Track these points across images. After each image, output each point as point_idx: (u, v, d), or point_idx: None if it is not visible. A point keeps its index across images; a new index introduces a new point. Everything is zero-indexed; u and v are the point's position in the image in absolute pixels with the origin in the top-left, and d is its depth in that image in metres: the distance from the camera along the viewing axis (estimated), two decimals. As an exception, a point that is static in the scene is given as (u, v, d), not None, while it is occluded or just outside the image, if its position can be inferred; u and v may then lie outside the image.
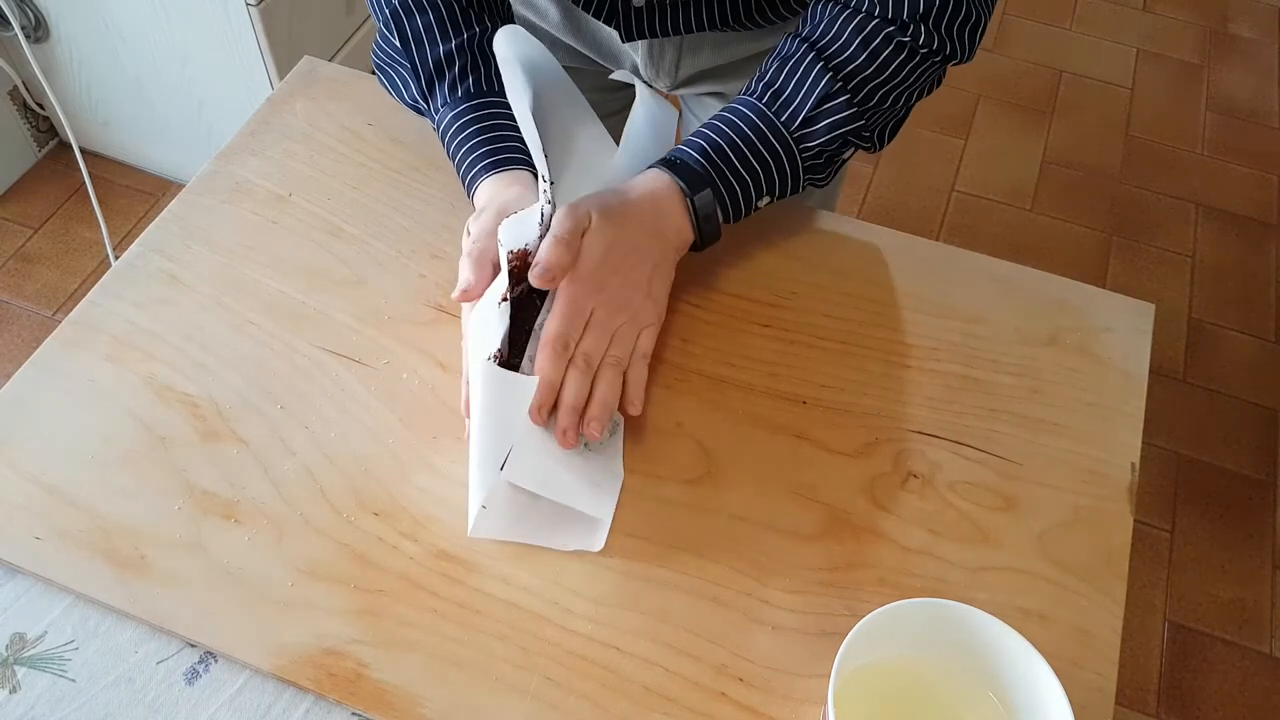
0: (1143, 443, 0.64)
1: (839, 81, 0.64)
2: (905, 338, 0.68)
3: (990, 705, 0.51)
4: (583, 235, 0.60)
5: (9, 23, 1.49)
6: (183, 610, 0.55)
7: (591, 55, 0.87)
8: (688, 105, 0.95)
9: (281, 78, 0.83)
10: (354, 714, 0.53)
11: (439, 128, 0.70)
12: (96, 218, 1.59)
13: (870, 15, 0.63)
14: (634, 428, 0.63)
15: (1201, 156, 2.05)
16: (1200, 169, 2.03)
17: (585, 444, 0.60)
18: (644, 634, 0.55)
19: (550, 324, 0.59)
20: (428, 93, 0.69)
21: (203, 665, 0.54)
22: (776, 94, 0.65)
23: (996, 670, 0.50)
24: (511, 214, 0.61)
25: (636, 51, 0.82)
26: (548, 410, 0.59)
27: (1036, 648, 0.48)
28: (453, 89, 0.68)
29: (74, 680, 0.53)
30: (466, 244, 0.63)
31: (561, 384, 0.59)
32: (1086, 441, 0.64)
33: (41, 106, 1.78)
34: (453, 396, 0.64)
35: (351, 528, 0.58)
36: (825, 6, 0.65)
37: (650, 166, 0.66)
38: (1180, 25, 2.32)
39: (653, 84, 0.85)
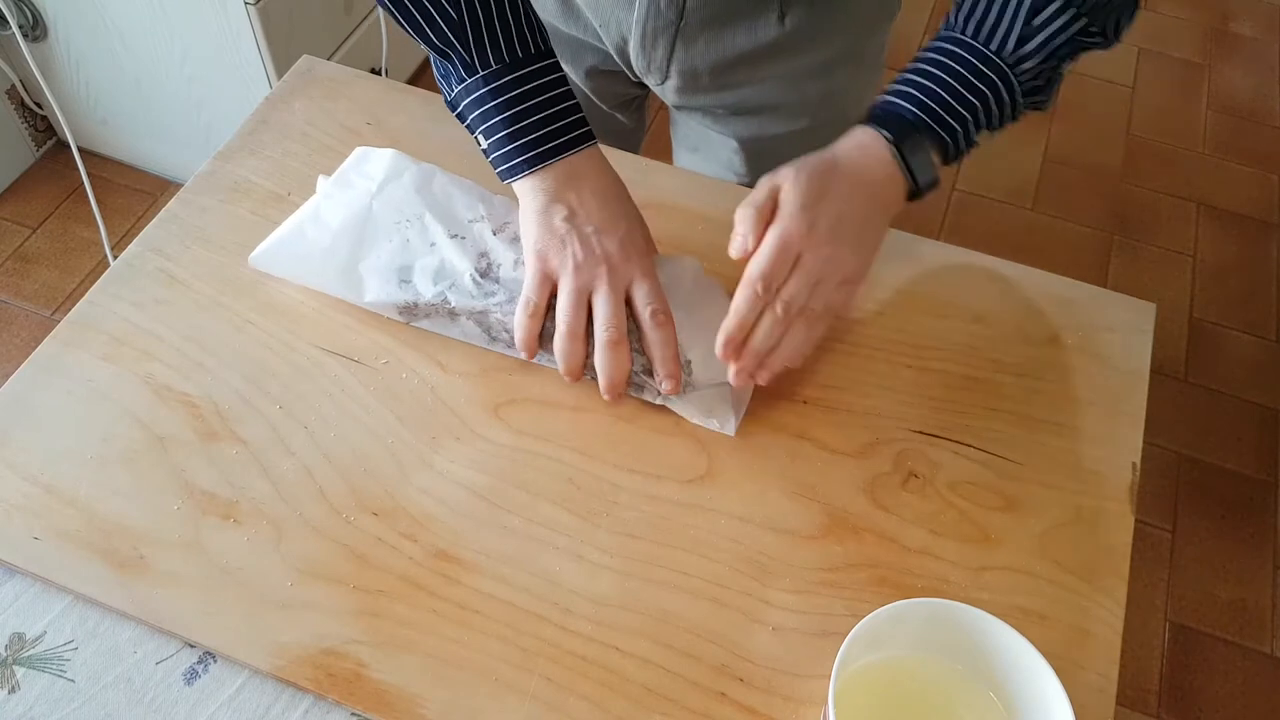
0: (1144, 443, 0.64)
1: None
2: (905, 338, 0.68)
3: (991, 706, 0.51)
4: (779, 191, 0.58)
5: (7, 21, 1.49)
6: (182, 610, 0.55)
7: (584, 38, 0.84)
8: (674, 120, 0.93)
9: (280, 77, 0.82)
10: (353, 714, 0.53)
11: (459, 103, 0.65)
12: (95, 217, 1.59)
13: None
14: (634, 428, 0.63)
15: (1203, 156, 2.05)
16: (1201, 168, 2.02)
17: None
18: (644, 634, 0.55)
19: (757, 262, 0.58)
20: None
21: (202, 665, 0.54)
22: (980, 22, 0.60)
23: (997, 671, 0.50)
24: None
25: (630, 35, 0.79)
26: (737, 346, 0.59)
27: (1037, 648, 0.48)
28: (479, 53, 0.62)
29: (73, 680, 0.53)
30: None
31: (754, 326, 0.58)
32: (1088, 441, 0.64)
33: (39, 106, 1.78)
34: (452, 396, 0.64)
35: (351, 528, 0.58)
36: None
37: (860, 127, 0.62)
38: (1181, 24, 2.32)
39: (644, 78, 0.83)
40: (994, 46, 0.60)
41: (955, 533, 0.60)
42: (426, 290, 0.64)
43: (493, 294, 0.65)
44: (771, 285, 0.57)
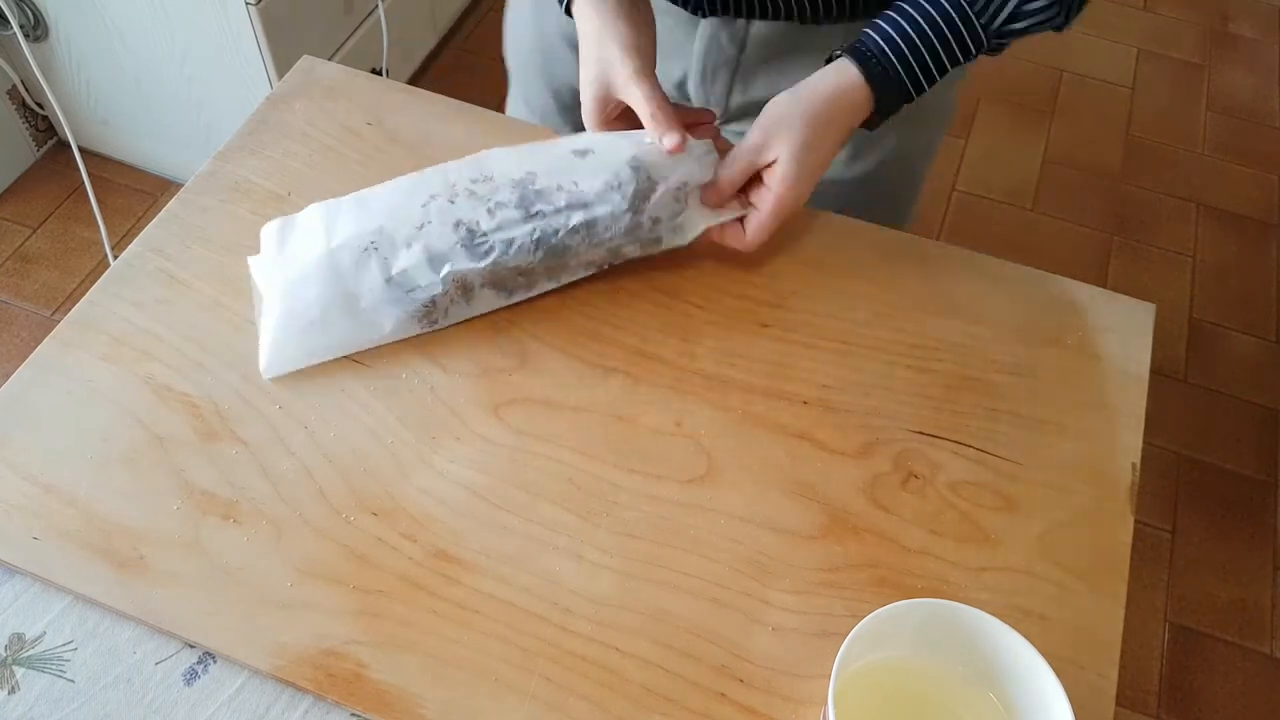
0: (1143, 443, 0.64)
1: None
2: (905, 338, 0.68)
3: (991, 706, 0.51)
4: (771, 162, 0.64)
5: (8, 22, 1.49)
6: (181, 610, 0.55)
7: None
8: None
9: (280, 77, 0.82)
10: (353, 715, 0.53)
11: None
12: (95, 217, 1.58)
13: None
14: (634, 428, 0.63)
15: (1202, 156, 2.05)
16: (1201, 169, 2.03)
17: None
18: (644, 634, 0.55)
19: (764, 222, 0.65)
20: None
21: (202, 666, 0.54)
22: None
23: (997, 671, 0.50)
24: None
25: (690, 70, 0.78)
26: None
27: (1037, 648, 0.48)
28: None
29: (73, 681, 0.53)
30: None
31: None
32: (1087, 442, 0.64)
33: (40, 106, 1.78)
34: (452, 396, 0.64)
35: (350, 528, 0.58)
36: None
37: (846, 58, 0.65)
38: (1181, 25, 2.32)
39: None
40: (984, 20, 0.63)
41: (955, 533, 0.60)
42: (433, 285, 0.64)
43: (490, 251, 0.64)
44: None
